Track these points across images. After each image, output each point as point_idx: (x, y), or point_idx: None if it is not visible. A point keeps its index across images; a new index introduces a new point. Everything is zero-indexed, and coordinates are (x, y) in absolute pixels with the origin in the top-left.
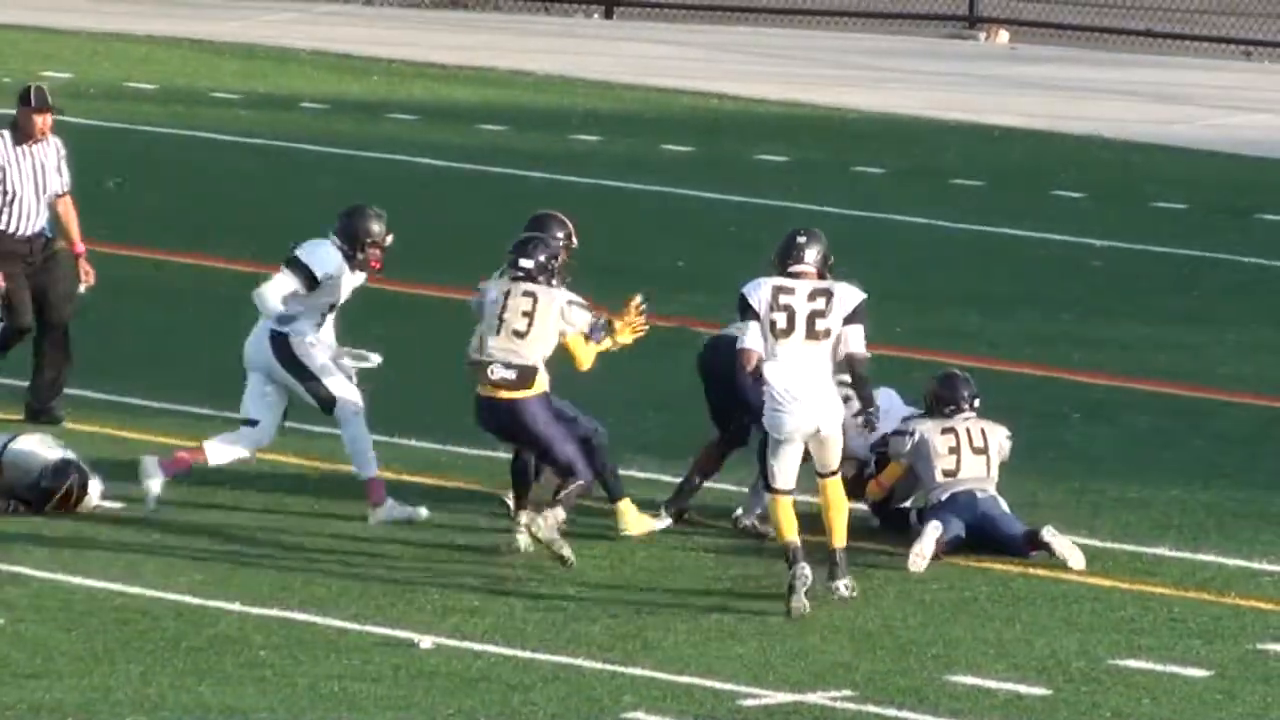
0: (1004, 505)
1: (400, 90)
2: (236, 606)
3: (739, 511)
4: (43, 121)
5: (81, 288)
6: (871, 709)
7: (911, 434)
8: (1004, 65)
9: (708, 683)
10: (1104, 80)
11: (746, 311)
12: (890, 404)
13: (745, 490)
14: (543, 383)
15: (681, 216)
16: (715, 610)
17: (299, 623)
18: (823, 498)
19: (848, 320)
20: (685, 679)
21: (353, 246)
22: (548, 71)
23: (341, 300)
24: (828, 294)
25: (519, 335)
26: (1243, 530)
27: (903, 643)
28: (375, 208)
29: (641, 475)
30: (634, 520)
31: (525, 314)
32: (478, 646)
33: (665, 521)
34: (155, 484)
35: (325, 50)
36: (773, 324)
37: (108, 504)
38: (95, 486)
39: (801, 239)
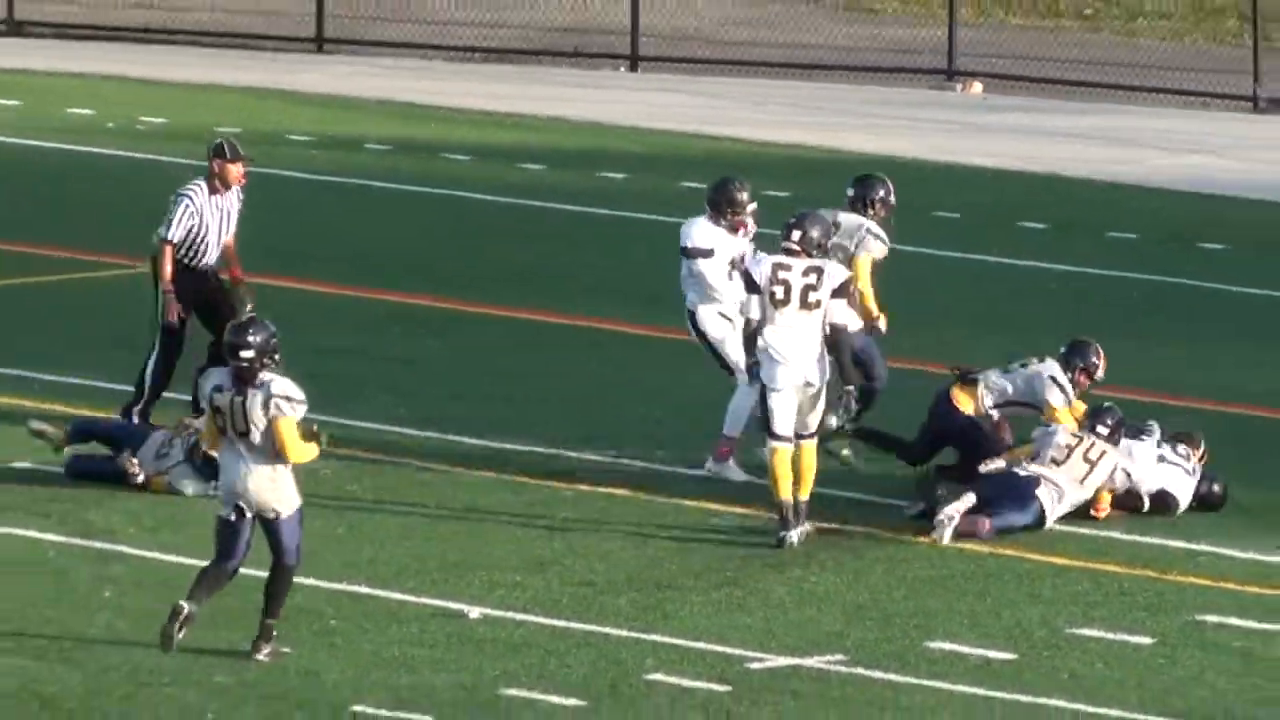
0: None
1: (453, 134)
2: (310, 582)
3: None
4: (238, 171)
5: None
6: (860, 671)
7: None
8: (978, 113)
9: (719, 648)
10: (1065, 126)
11: (751, 286)
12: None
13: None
14: None
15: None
16: (725, 585)
17: (364, 596)
18: (799, 456)
19: (834, 294)
20: (699, 645)
21: (723, 214)
22: (581, 118)
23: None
24: (819, 271)
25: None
26: (1182, 518)
27: (888, 614)
28: (738, 179)
29: None
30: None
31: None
32: (519, 616)
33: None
34: (734, 473)
35: (389, 99)
36: (772, 295)
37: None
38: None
39: (791, 221)
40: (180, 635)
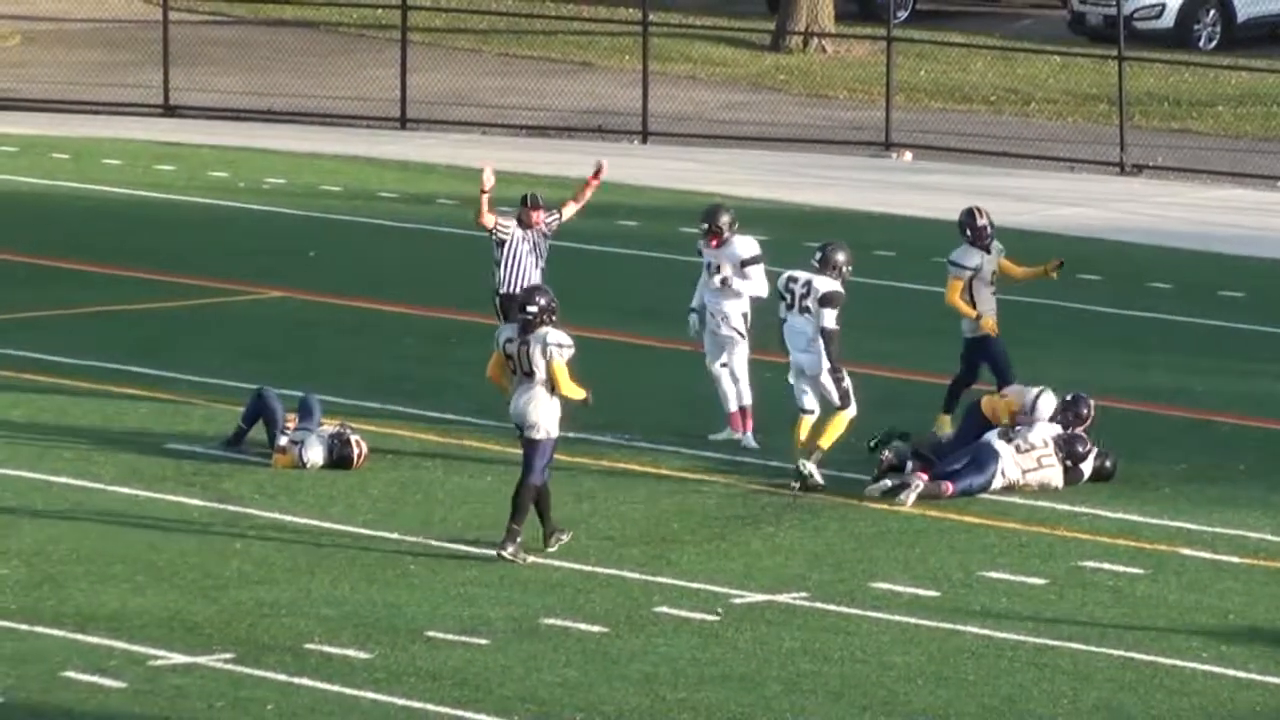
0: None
1: (504, 191)
2: (394, 535)
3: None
4: (536, 216)
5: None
6: (819, 605)
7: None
8: (908, 175)
9: (710, 587)
10: (975, 185)
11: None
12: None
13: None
14: None
15: (694, 275)
16: (714, 539)
17: (436, 547)
18: (822, 423)
19: (821, 303)
20: (695, 585)
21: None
22: (603, 179)
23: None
24: (809, 284)
25: None
26: (1067, 488)
27: (840, 561)
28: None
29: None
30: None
31: None
32: (555, 563)
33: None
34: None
35: (454, 164)
36: (783, 300)
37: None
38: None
39: (817, 248)
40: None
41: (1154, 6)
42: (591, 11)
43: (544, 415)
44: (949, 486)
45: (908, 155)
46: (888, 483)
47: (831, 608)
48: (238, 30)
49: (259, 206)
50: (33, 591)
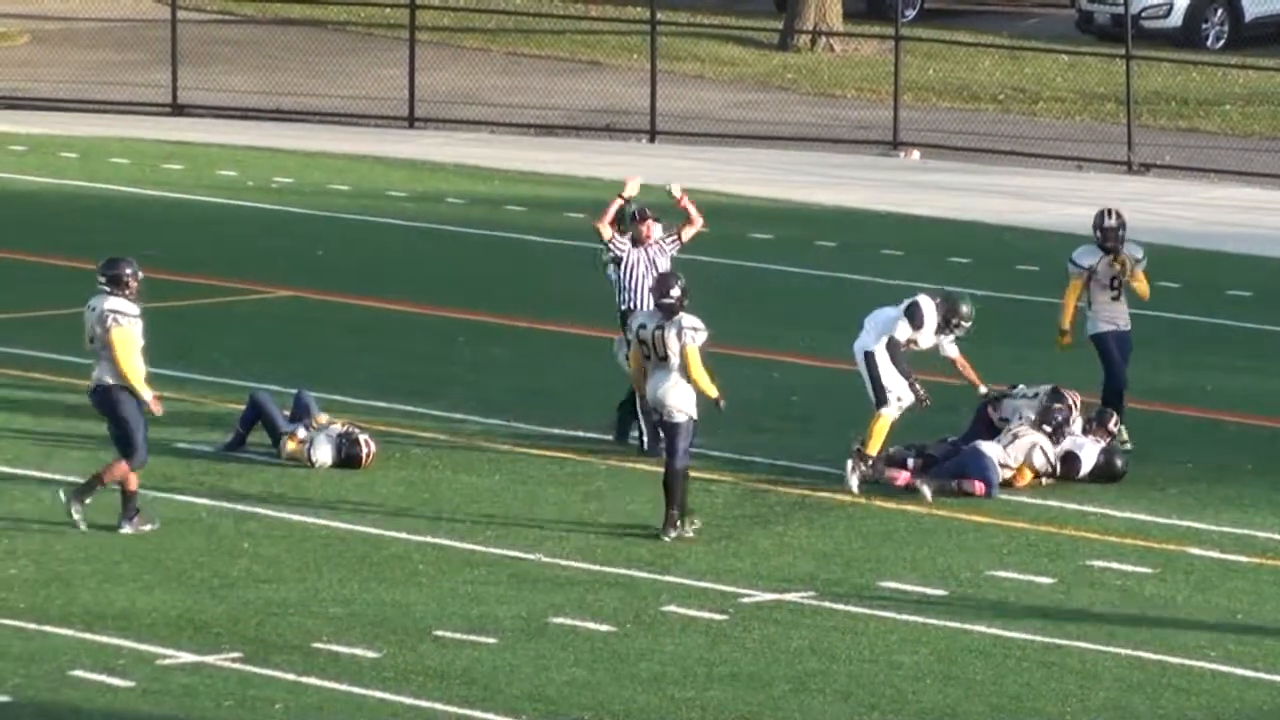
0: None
1: (513, 190)
2: (403, 535)
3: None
4: (647, 228)
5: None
6: (827, 604)
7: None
8: (916, 174)
9: (718, 586)
10: (983, 184)
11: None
12: None
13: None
14: None
15: (699, 273)
16: (723, 538)
17: (444, 545)
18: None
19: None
20: (703, 584)
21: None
22: (612, 177)
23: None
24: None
25: None
26: (1075, 486)
27: (848, 560)
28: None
29: None
30: None
31: None
32: (563, 561)
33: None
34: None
35: (462, 163)
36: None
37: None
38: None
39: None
40: (681, 531)
41: (1162, 5)
42: (600, 10)
43: (682, 398)
44: (979, 485)
45: (915, 154)
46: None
47: (839, 607)
48: (246, 29)
49: (267, 206)
50: (41, 590)
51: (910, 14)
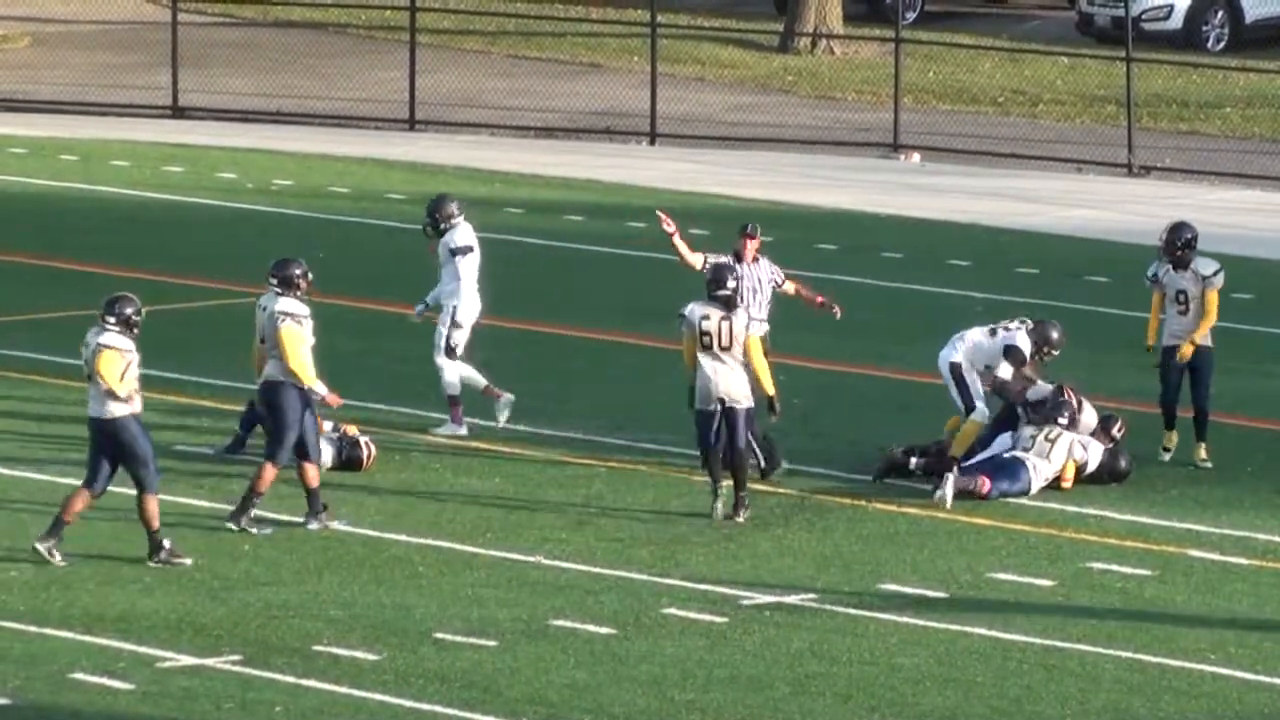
0: (1018, 468)
1: (512, 192)
2: (403, 537)
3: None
4: (752, 246)
5: (839, 315)
6: (827, 607)
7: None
8: (917, 176)
9: (718, 589)
10: (983, 186)
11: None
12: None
13: None
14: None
15: (699, 275)
16: (723, 541)
17: (445, 548)
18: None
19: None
20: (703, 586)
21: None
22: (611, 180)
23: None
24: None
25: None
26: (1075, 488)
27: (848, 562)
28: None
29: None
30: None
31: None
32: (564, 564)
33: None
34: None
35: (463, 165)
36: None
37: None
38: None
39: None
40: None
41: (1162, 8)
42: (600, 13)
43: (743, 386)
44: (986, 484)
45: (916, 157)
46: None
47: (839, 609)
48: (246, 32)
49: (267, 208)
50: (41, 593)
51: (910, 16)
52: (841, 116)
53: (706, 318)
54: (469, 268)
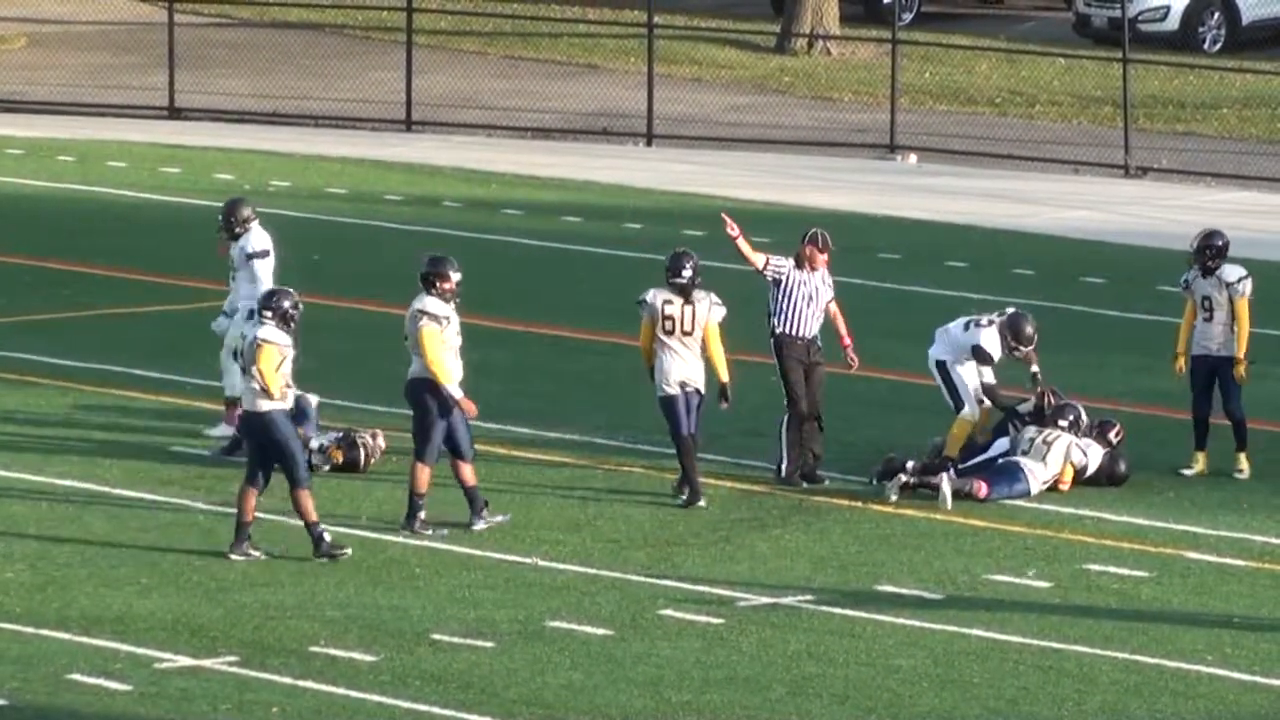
0: (1016, 472)
1: (509, 194)
2: (400, 539)
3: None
4: (819, 258)
5: (853, 368)
6: (824, 608)
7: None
8: (913, 177)
9: (715, 590)
10: (980, 187)
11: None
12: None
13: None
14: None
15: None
16: (720, 542)
17: (442, 550)
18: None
19: (972, 353)
20: (700, 588)
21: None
22: (608, 181)
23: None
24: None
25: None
26: (1072, 490)
27: (845, 564)
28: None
29: None
30: None
31: None
32: (560, 565)
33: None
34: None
35: (460, 166)
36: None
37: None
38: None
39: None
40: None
41: (1159, 9)
42: (597, 14)
43: (700, 372)
44: (983, 487)
45: (912, 158)
46: (902, 478)
47: (836, 610)
48: (243, 32)
49: (264, 209)
50: (38, 594)
51: (907, 18)
52: (838, 117)
53: (669, 302)
54: (266, 271)
